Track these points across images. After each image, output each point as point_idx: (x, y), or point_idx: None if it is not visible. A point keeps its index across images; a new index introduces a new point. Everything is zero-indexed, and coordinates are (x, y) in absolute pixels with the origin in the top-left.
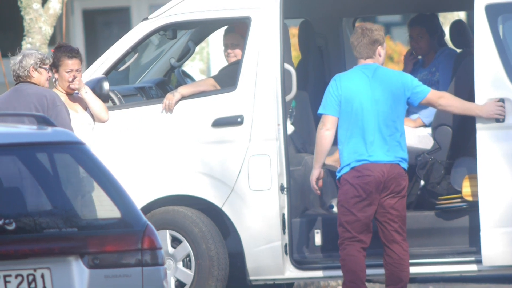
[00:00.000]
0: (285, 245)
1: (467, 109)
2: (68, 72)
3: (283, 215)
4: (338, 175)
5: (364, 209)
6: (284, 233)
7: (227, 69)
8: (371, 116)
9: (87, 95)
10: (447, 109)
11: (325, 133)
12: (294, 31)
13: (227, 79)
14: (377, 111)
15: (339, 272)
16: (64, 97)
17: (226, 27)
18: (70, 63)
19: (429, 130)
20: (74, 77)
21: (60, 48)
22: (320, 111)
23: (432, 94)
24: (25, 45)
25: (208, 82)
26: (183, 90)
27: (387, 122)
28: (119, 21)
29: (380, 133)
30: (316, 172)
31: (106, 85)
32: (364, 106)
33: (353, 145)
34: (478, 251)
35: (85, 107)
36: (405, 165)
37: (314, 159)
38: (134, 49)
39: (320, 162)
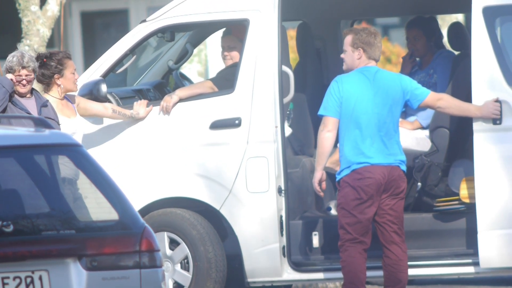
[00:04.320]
0: (283, 247)
1: (466, 110)
2: (73, 72)
3: (281, 217)
4: (338, 177)
5: (365, 211)
6: (282, 235)
7: (225, 72)
8: (371, 118)
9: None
10: (446, 111)
11: (326, 135)
12: (292, 33)
13: (225, 81)
14: (378, 113)
15: (337, 274)
16: (57, 103)
17: (224, 29)
18: (73, 63)
19: (426, 132)
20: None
21: (54, 54)
22: (320, 112)
23: (431, 97)
24: (23, 47)
25: (206, 85)
26: (180, 92)
27: (387, 125)
28: (117, 23)
29: (380, 135)
30: (319, 175)
31: (103, 87)
32: (365, 109)
33: (353, 148)
34: (475, 253)
35: (76, 113)
36: (404, 167)
37: (316, 161)
38: (132, 51)
39: (322, 164)
